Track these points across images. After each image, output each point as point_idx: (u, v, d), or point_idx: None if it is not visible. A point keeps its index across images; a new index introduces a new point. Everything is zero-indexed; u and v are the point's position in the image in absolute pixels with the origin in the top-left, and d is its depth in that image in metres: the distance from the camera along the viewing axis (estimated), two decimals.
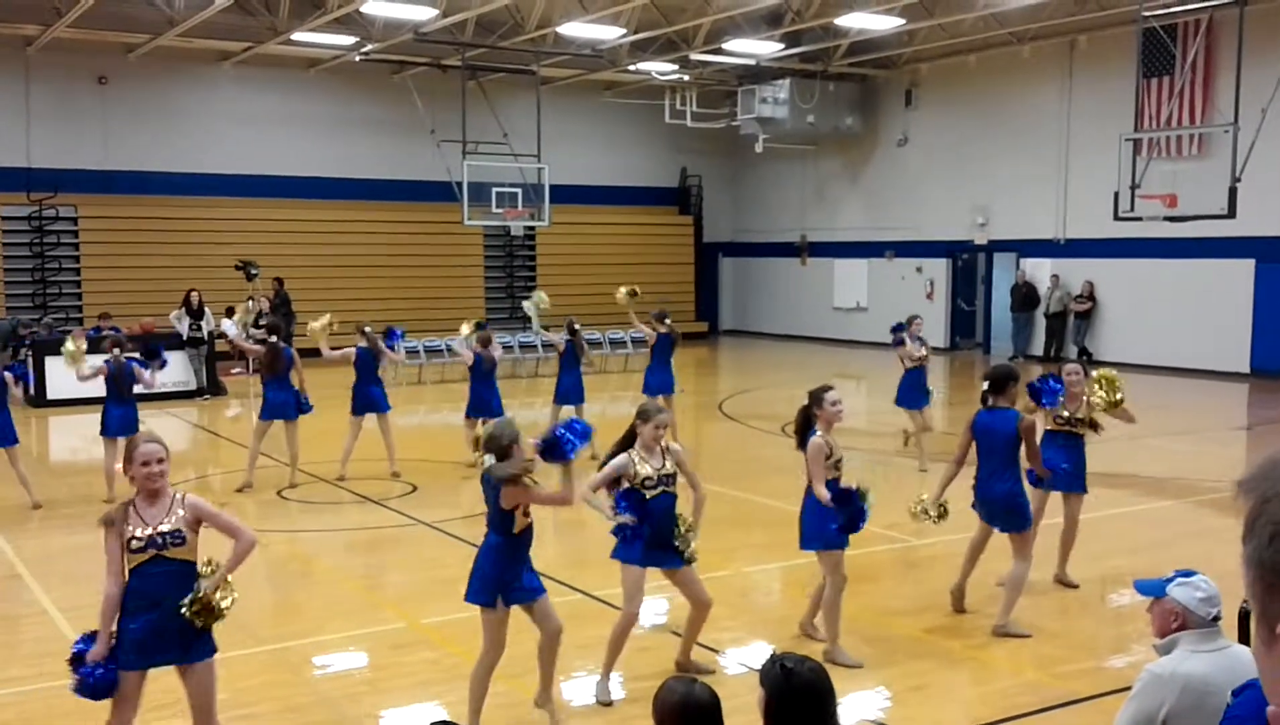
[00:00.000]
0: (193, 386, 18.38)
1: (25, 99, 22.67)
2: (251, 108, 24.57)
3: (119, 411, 10.84)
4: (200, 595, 4.61)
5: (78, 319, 22.58)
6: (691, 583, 6.16)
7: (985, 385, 7.02)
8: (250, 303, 20.15)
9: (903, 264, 26.51)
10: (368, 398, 11.88)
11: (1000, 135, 24.23)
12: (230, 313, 21.22)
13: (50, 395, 17.21)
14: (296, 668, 6.68)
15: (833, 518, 6.32)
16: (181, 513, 4.64)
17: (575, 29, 20.78)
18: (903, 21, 21.04)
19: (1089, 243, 22.47)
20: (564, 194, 24.65)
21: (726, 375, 24.21)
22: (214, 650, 4.81)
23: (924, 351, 12.52)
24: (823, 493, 6.27)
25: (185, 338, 18.52)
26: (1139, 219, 18.21)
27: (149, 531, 4.57)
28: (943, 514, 7.14)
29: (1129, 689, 3.36)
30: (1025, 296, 23.65)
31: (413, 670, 6.57)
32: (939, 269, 25.92)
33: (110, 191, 23.23)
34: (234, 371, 20.68)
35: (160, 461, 4.65)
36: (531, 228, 25.04)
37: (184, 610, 4.59)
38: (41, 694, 6.13)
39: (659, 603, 7.94)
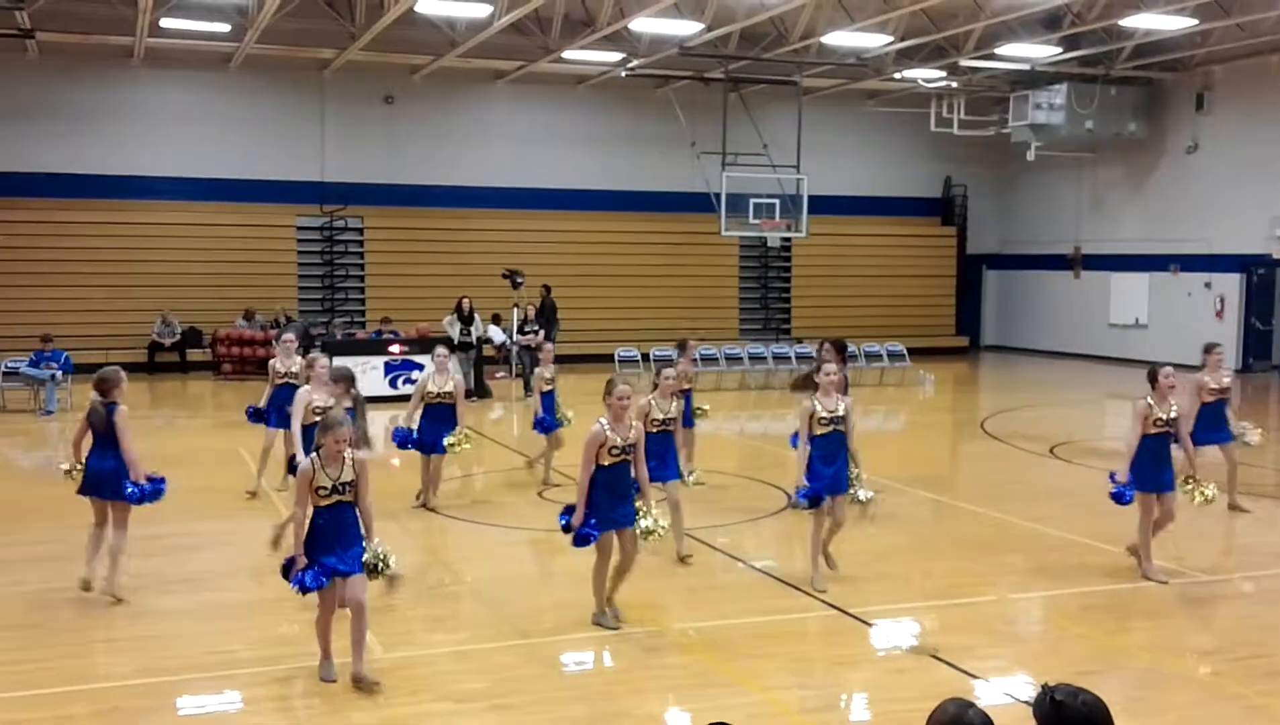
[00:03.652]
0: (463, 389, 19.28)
1: (321, 119, 24.66)
2: (522, 123, 25.68)
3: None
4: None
5: (360, 322, 24.32)
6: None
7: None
8: (516, 310, 21.05)
9: (1189, 278, 24.56)
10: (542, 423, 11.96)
11: None
12: (496, 320, 22.32)
13: None
14: (552, 662, 6.85)
15: (605, 503, 7.10)
16: None
17: (840, 38, 20.48)
18: (1195, 22, 19.49)
19: None
20: (822, 204, 24.34)
21: (989, 392, 23.16)
22: None
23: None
24: (584, 479, 7.09)
25: (456, 342, 19.41)
26: None
27: None
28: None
29: None
30: None
31: (662, 674, 6.59)
32: (1231, 284, 23.84)
33: (393, 203, 24.87)
34: (498, 375, 21.62)
35: None
36: (788, 238, 24.89)
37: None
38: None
39: (912, 625, 7.65)
